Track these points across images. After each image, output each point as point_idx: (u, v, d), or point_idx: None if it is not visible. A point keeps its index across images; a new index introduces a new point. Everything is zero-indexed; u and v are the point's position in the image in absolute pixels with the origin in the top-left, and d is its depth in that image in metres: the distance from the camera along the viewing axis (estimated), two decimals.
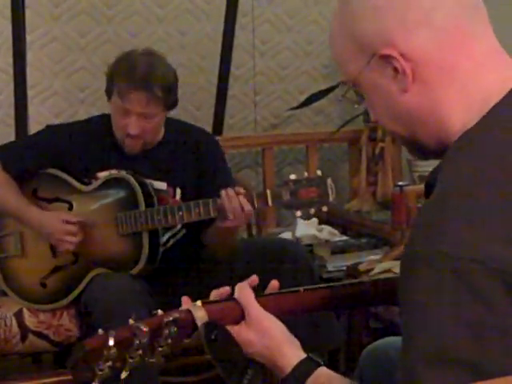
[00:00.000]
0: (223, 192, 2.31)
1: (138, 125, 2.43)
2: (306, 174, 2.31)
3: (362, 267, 2.81)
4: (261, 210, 2.98)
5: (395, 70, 1.11)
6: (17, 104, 3.23)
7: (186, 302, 1.34)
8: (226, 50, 3.46)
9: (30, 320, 2.54)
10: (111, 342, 1.13)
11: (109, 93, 2.49)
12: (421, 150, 1.20)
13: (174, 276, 2.57)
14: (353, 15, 1.14)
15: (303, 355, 1.27)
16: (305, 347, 1.29)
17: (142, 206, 2.44)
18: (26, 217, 2.53)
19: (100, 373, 1.15)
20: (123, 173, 2.51)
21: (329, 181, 2.27)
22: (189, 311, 1.27)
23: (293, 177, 2.29)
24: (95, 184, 2.54)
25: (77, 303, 2.51)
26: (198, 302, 1.30)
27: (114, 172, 2.53)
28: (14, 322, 2.53)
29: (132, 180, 2.47)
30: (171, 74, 2.48)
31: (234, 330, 1.30)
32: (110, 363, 1.15)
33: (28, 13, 3.15)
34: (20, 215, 2.54)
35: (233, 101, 3.60)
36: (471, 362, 0.96)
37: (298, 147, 3.74)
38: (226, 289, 1.38)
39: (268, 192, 2.30)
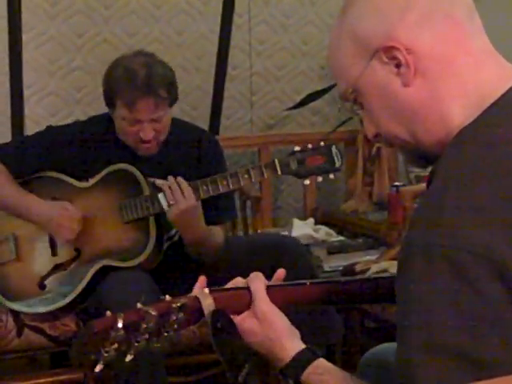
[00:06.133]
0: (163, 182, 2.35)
1: (150, 129, 2.41)
2: (309, 145, 2.35)
3: (358, 267, 2.81)
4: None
5: (397, 65, 1.13)
6: (13, 104, 3.23)
7: (201, 281, 1.37)
8: (223, 50, 3.46)
9: (25, 314, 2.50)
10: (120, 324, 1.13)
11: (111, 104, 2.45)
12: (422, 155, 1.20)
13: (171, 276, 2.54)
14: (355, 16, 1.17)
15: (303, 346, 1.28)
16: (304, 340, 1.30)
17: (147, 191, 2.43)
18: (25, 204, 2.48)
19: (106, 355, 1.14)
20: (123, 164, 2.48)
21: (333, 149, 2.33)
22: (196, 298, 1.28)
23: (297, 148, 2.34)
24: (95, 179, 2.51)
25: (77, 300, 2.47)
26: (206, 290, 1.31)
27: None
28: (10, 317, 2.50)
29: (133, 169, 2.45)
30: (169, 70, 2.46)
31: (237, 318, 1.30)
32: (115, 346, 1.15)
33: (24, 12, 3.15)
34: (18, 204, 2.49)
35: (229, 101, 3.60)
36: (464, 351, 0.97)
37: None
38: (240, 279, 1.38)
39: (276, 161, 2.33)
